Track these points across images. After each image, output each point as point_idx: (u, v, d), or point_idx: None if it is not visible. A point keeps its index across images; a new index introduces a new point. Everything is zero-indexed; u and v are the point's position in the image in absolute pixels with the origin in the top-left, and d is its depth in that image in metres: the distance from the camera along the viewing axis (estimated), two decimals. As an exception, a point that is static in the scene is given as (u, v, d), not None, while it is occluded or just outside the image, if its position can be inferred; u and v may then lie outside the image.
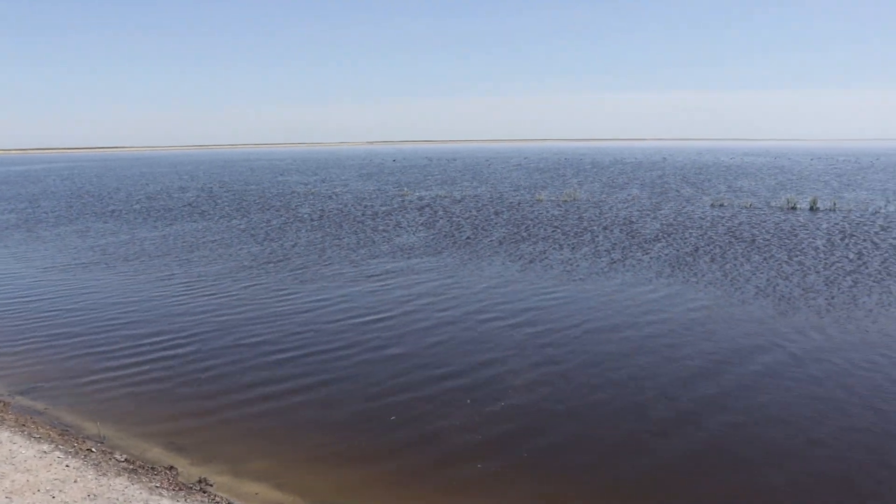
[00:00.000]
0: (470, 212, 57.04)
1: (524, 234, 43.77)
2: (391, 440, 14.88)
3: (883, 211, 54.91)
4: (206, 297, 27.91)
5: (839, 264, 33.00)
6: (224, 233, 47.13)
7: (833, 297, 26.56)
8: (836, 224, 46.99)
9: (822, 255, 35.30)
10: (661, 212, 55.43)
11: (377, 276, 31.61)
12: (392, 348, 20.87)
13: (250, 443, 14.85)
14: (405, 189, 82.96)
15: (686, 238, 41.51)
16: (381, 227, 48.26)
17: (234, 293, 28.58)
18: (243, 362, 19.81)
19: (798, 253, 36.19)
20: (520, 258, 35.56)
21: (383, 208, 61.38)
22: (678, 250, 37.29)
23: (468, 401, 16.64)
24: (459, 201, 66.31)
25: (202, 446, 14.69)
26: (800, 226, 46.58)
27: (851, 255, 35.14)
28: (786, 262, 33.86)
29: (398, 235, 44.20)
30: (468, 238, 42.62)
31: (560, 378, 18.14)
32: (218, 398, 17.28)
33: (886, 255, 35.28)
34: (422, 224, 49.75)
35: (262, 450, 14.54)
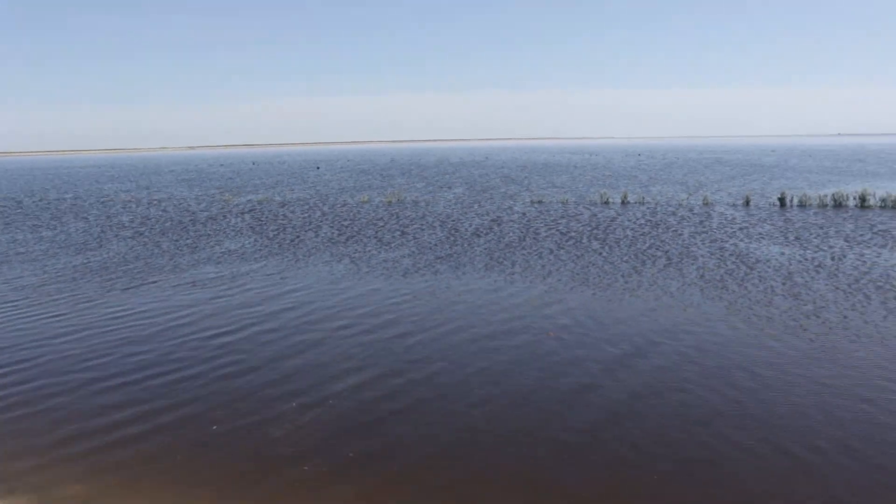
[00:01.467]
0: (296, 215, 56.54)
1: (349, 236, 43.91)
2: (216, 452, 14.53)
3: (685, 203, 59.17)
4: (18, 317, 26.13)
5: (647, 251, 35.34)
6: (34, 244, 44.29)
7: (641, 280, 28.43)
8: (643, 215, 50.22)
9: (630, 244, 37.63)
10: (484, 209, 57.10)
11: (203, 282, 30.77)
12: (223, 357, 20.42)
13: (91, 482, 14.04)
14: (227, 194, 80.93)
15: (507, 233, 43.02)
16: (205, 233, 46.96)
17: (53, 309, 26.94)
18: (72, 389, 18.70)
19: (610, 243, 38.38)
20: (345, 259, 35.66)
21: (204, 214, 59.70)
22: (499, 245, 38.61)
23: (294, 404, 16.58)
24: (285, 205, 65.54)
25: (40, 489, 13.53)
26: (610, 218, 49.39)
27: (655, 242, 37.70)
28: (598, 251, 35.83)
29: (222, 241, 43.17)
30: (293, 241, 42.26)
31: (386, 379, 18.37)
32: (47, 434, 15.58)
33: (686, 241, 38.10)
34: (247, 229, 48.84)
35: (79, 481, 13.83)
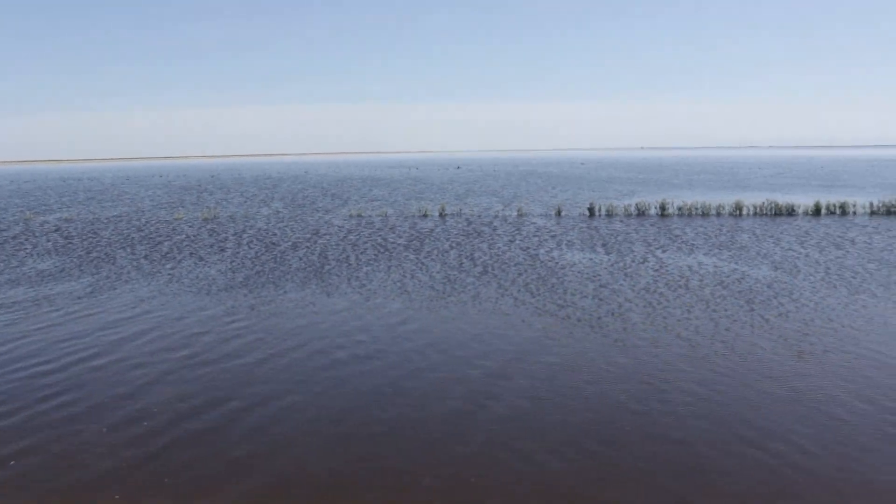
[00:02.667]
0: (108, 232, 53.52)
1: (164, 253, 42.01)
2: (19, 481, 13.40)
3: (501, 214, 61.01)
4: None
5: (464, 261, 36.07)
6: None
7: (457, 288, 28.94)
8: (461, 226, 51.32)
9: (448, 254, 38.29)
10: (303, 224, 56.39)
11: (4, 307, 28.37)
12: (39, 392, 18.85)
13: None
14: (28, 213, 75.43)
15: (326, 247, 42.65)
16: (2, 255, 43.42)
17: None
18: None
19: (428, 254, 38.88)
20: (159, 276, 34.06)
21: (4, 234, 55.31)
22: (317, 259, 38.19)
23: (104, 429, 15.62)
24: (93, 223, 61.91)
25: None
26: (429, 230, 50.11)
27: (472, 252, 38.58)
28: (417, 262, 36.19)
29: (23, 263, 40.02)
30: (103, 259, 39.88)
31: (195, 396, 17.66)
32: None
33: (501, 250, 39.27)
34: (52, 250, 45.56)
35: None
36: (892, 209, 59.22)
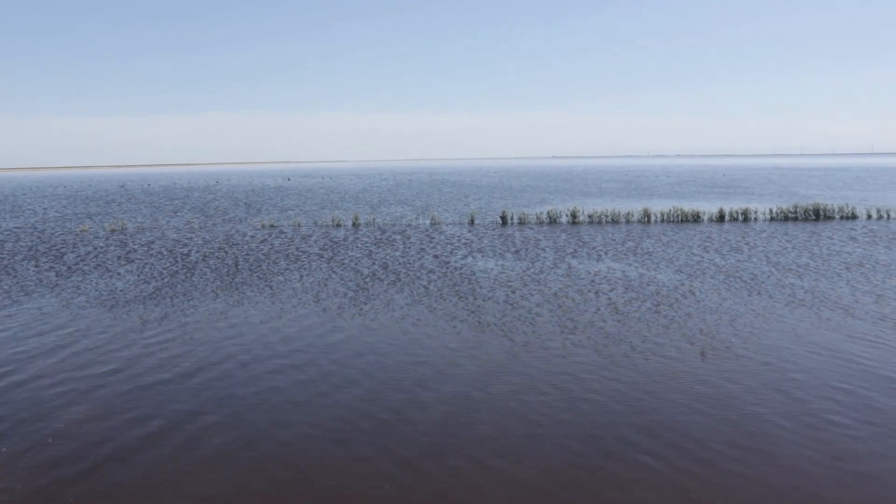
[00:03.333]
0: (9, 245, 51.46)
1: (70, 266, 40.68)
2: None
3: (415, 223, 61.27)
4: None
5: (378, 270, 36.13)
6: None
7: (368, 299, 28.99)
8: (374, 236, 51.36)
9: (359, 265, 38.28)
10: (214, 234, 55.48)
11: None
12: None
13: None
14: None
15: (237, 258, 42.07)
16: None
17: None
18: None
19: (340, 264, 38.79)
20: (66, 290, 32.99)
21: None
22: (230, 270, 37.64)
23: (3, 449, 15.09)
24: (-13, 235, 59.45)
25: None
26: (342, 239, 49.98)
27: (385, 261, 38.68)
28: (329, 271, 36.07)
29: None
30: (2, 272, 38.41)
31: (113, 415, 17.23)
32: None
33: (414, 259, 39.47)
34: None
35: None
36: (790, 215, 62.03)
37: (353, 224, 61.06)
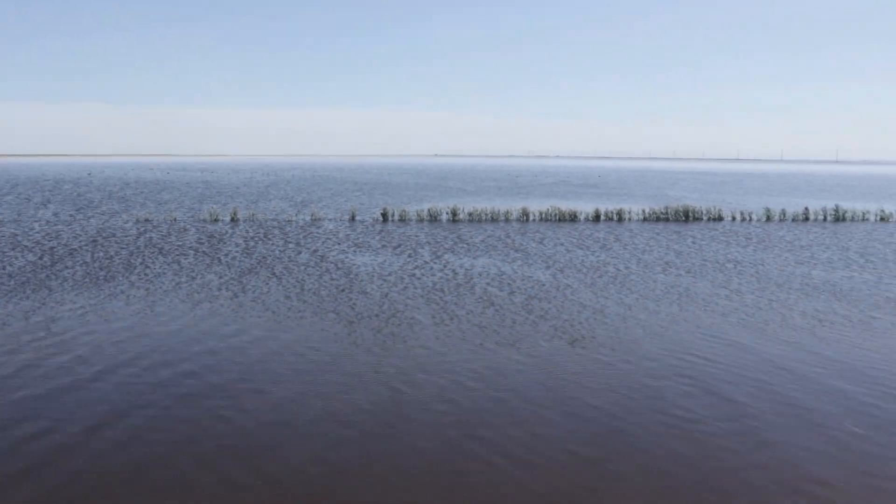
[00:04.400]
0: None
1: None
2: None
3: (295, 218, 60.66)
4: None
5: (255, 265, 35.67)
6: None
7: (245, 291, 28.64)
8: (253, 231, 50.61)
9: (238, 259, 37.71)
10: (85, 228, 53.34)
11: None
12: None
13: None
14: None
15: (110, 252, 40.64)
16: None
17: None
18: None
19: (214, 259, 38.07)
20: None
21: None
22: (102, 265, 36.34)
23: None
24: None
25: None
26: (220, 234, 49.01)
27: (263, 257, 38.24)
28: (205, 266, 35.36)
29: None
30: None
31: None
32: None
33: (292, 254, 39.18)
34: None
35: None
36: (661, 216, 64.78)
37: (232, 219, 59.93)
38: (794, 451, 14.36)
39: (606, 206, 69.04)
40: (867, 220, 66.70)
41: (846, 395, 17.61)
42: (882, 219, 66.98)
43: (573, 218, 63.04)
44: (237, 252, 40.81)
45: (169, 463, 13.76)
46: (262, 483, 13.01)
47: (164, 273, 33.99)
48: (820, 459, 14.02)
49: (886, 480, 13.21)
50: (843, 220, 66.17)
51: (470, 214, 63.06)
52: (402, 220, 60.84)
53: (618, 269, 35.85)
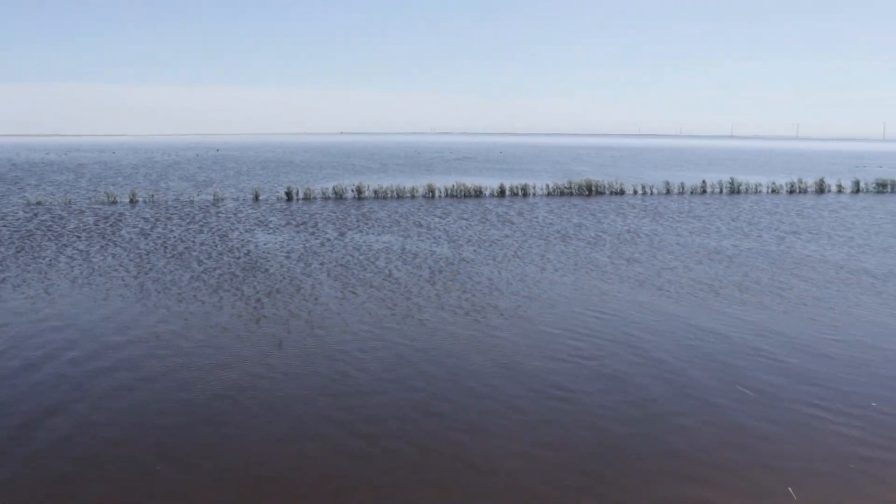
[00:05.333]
0: None
1: None
2: None
3: (197, 200, 59.45)
4: None
5: (156, 247, 34.92)
6: None
7: (151, 275, 28.09)
8: (154, 213, 49.41)
9: (137, 242, 36.84)
10: (-31, 212, 51.02)
11: None
12: None
13: None
14: None
15: (2, 236, 39.10)
16: None
17: None
18: None
19: (111, 242, 37.10)
20: None
21: None
22: (-13, 249, 34.95)
23: None
24: None
25: None
26: (118, 216, 47.67)
27: (164, 239, 37.46)
28: (102, 250, 34.42)
29: None
30: None
31: None
32: None
33: (194, 236, 38.50)
34: None
35: None
36: (565, 191, 66.18)
37: (131, 201, 58.23)
38: (665, 405, 15.16)
39: (511, 182, 69.91)
40: (760, 192, 69.73)
41: (711, 351, 18.63)
42: (773, 191, 70.34)
43: (479, 193, 63.73)
44: (135, 234, 39.78)
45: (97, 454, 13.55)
46: (168, 466, 12.98)
47: (58, 258, 32.90)
48: (682, 407, 14.83)
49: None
50: (739, 192, 69.06)
51: (376, 192, 63.00)
52: (307, 198, 60.36)
53: (520, 243, 36.59)
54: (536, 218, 47.20)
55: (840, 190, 71.73)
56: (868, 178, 79.85)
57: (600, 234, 40.10)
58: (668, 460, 13.00)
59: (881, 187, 73.11)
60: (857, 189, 72.24)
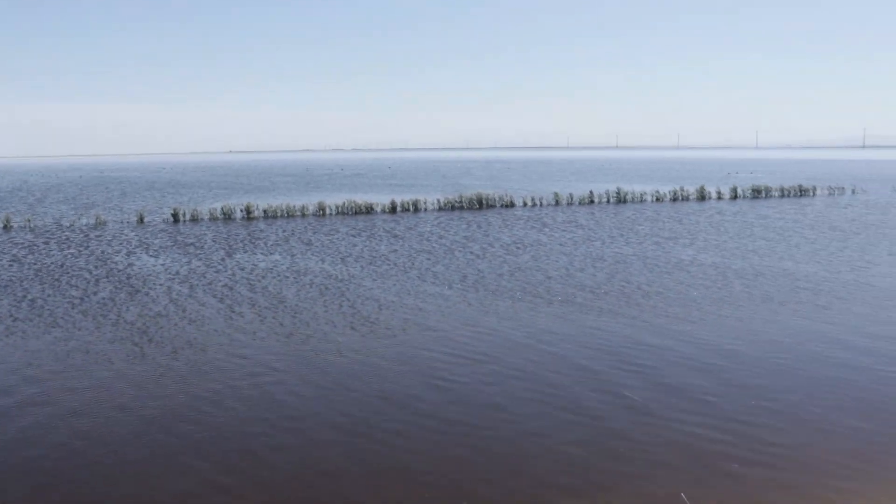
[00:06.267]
0: None
1: None
2: None
3: (78, 224, 57.34)
4: None
5: (35, 279, 33.57)
6: None
7: (14, 303, 27.03)
8: (29, 240, 47.42)
9: (10, 271, 35.34)
10: None
11: None
12: None
13: None
14: None
15: None
16: None
17: None
18: None
19: (-14, 270, 35.51)
20: None
21: None
22: None
23: None
24: None
25: None
26: (-10, 244, 45.59)
27: (39, 269, 36.06)
28: (-28, 280, 32.90)
29: None
30: None
31: None
32: None
33: (75, 262, 37.21)
34: None
35: None
36: (456, 205, 67.03)
37: (4, 227, 55.65)
38: (521, 409, 15.71)
39: (402, 198, 70.25)
40: (644, 200, 72.46)
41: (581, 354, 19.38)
42: (657, 199, 73.22)
43: (370, 210, 63.83)
44: (7, 262, 38.04)
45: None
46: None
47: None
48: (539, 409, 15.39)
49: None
50: (625, 201, 71.53)
51: (265, 211, 62.27)
52: (195, 219, 59.13)
53: (408, 258, 36.94)
54: (427, 232, 47.68)
55: (720, 196, 75.59)
56: (744, 185, 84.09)
57: (487, 245, 40.90)
58: (557, 474, 13.47)
59: (756, 193, 77.66)
60: (735, 195, 76.37)
